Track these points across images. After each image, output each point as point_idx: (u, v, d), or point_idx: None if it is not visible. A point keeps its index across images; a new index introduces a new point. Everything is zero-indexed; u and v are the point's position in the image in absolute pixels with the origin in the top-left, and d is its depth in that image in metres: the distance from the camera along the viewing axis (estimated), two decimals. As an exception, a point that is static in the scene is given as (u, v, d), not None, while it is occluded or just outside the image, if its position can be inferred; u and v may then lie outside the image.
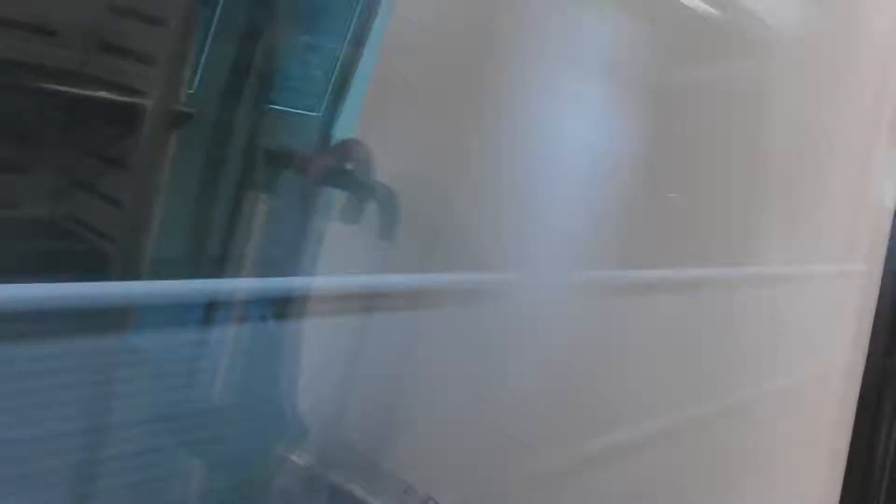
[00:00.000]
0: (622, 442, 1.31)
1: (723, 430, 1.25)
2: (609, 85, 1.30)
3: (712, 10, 1.23)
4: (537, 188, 1.35)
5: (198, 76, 1.67)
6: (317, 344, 1.48)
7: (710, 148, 1.19)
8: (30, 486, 1.13)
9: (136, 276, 1.40)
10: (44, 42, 1.42)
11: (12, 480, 1.09)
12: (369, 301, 1.41)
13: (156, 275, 1.39)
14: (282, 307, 1.44)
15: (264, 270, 1.47)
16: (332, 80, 1.68)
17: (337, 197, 1.42)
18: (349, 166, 1.36)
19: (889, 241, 1.20)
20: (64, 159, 1.46)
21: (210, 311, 1.42)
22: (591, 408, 1.30)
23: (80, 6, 1.50)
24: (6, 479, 1.09)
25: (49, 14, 1.42)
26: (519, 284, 1.38)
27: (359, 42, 1.66)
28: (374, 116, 1.46)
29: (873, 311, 1.22)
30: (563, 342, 1.30)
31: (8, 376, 1.10)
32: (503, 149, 1.36)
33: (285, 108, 1.68)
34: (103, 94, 1.51)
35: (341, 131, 1.51)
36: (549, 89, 1.32)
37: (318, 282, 1.44)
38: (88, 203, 1.48)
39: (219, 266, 1.49)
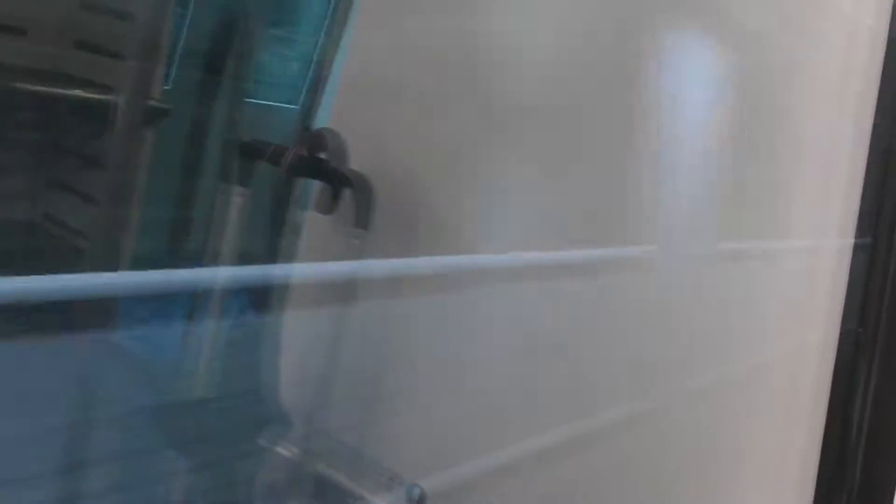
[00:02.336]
0: (600, 426, 1.32)
1: (697, 407, 1.26)
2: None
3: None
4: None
5: (173, 71, 1.67)
6: (298, 334, 1.48)
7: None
8: (11, 482, 1.13)
9: (113, 272, 1.40)
10: (15, 41, 1.42)
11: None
12: (349, 289, 1.41)
13: (132, 270, 1.39)
14: (261, 298, 1.44)
15: (242, 262, 1.47)
16: (308, 72, 1.68)
17: (312, 186, 1.42)
18: (323, 156, 1.37)
19: (859, 214, 1.22)
20: (38, 158, 1.46)
21: (189, 302, 1.43)
22: (569, 393, 1.31)
23: (52, 4, 1.50)
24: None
25: (20, 13, 1.42)
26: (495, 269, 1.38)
27: (335, 34, 1.66)
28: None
29: (845, 284, 1.23)
30: (533, 327, 1.31)
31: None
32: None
33: (261, 101, 1.69)
34: (78, 92, 1.51)
35: (316, 121, 1.51)
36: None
37: (296, 271, 1.44)
38: (64, 201, 1.48)
39: (196, 259, 1.49)
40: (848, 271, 1.22)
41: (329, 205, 1.36)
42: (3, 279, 1.15)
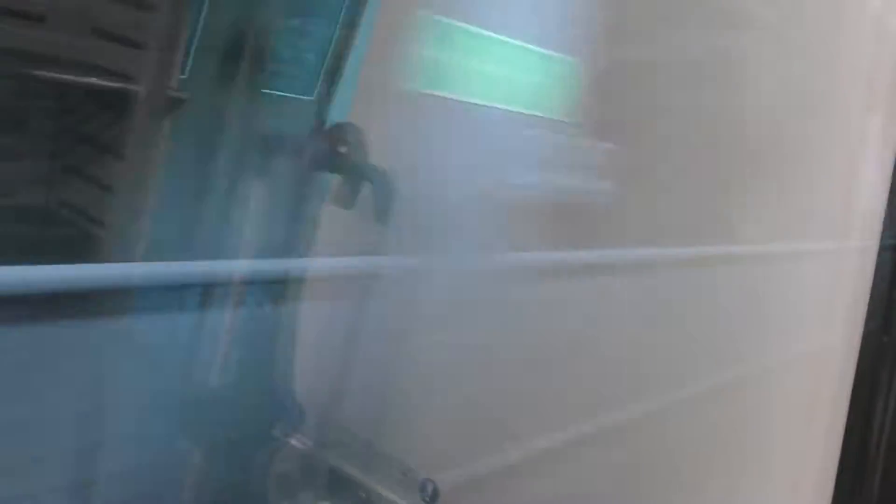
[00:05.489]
0: (615, 424, 1.31)
1: (718, 408, 1.26)
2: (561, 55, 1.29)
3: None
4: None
5: (190, 61, 1.66)
6: (313, 327, 1.48)
7: (687, 124, 1.19)
8: (24, 468, 1.13)
9: (128, 260, 1.40)
10: (32, 28, 1.41)
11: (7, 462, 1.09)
12: (365, 283, 1.41)
13: (149, 261, 1.39)
14: (278, 290, 1.43)
15: (259, 255, 1.46)
16: (326, 63, 1.67)
17: (331, 181, 1.41)
18: (343, 150, 1.36)
19: (884, 216, 1.20)
20: (55, 146, 1.45)
21: (205, 294, 1.42)
22: (584, 391, 1.30)
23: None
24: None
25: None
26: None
27: (352, 24, 1.65)
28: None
29: (869, 287, 1.22)
30: (551, 322, 1.30)
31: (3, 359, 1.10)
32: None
33: (278, 93, 1.67)
34: (93, 79, 1.50)
35: (335, 114, 1.50)
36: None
37: (313, 265, 1.44)
38: (81, 189, 1.48)
39: (213, 251, 1.49)
40: (873, 273, 1.21)
41: (348, 200, 1.35)
42: (23, 268, 1.15)
